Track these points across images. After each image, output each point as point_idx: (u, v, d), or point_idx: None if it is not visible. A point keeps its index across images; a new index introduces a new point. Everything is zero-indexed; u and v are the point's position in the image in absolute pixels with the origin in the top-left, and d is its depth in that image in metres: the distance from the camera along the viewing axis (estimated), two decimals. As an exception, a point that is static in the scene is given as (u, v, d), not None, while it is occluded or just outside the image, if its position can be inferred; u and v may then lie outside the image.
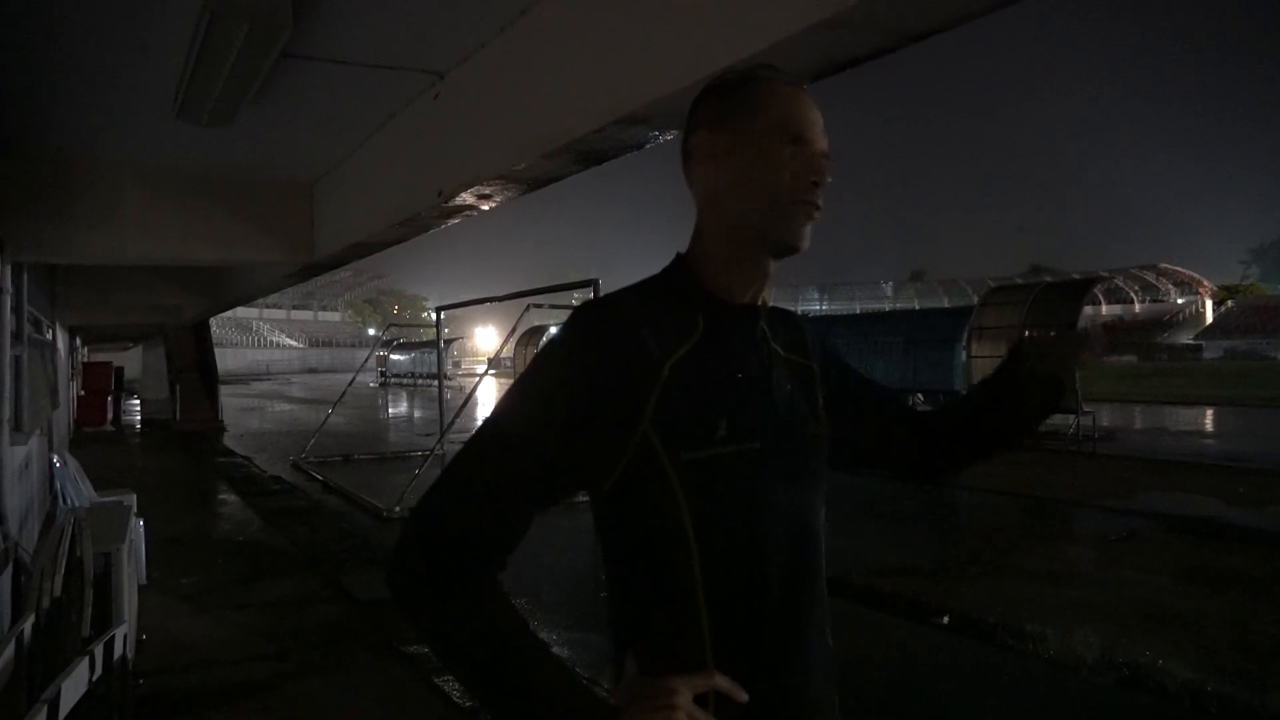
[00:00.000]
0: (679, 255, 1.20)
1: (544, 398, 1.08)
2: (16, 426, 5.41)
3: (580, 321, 1.10)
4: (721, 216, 1.16)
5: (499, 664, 1.00)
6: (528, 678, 0.99)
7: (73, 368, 19.29)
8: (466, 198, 4.18)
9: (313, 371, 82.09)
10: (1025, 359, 1.34)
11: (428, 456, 11.23)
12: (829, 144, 1.15)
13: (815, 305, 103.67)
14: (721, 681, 1.01)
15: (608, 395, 1.05)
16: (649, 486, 1.06)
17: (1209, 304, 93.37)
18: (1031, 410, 1.35)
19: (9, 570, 4.44)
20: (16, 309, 5.74)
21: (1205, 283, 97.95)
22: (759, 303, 1.20)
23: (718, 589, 1.08)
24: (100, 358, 26.16)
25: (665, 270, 1.20)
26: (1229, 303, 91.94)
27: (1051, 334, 1.38)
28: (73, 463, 7.29)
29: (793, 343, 1.26)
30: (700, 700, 0.99)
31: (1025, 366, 1.34)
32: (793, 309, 1.38)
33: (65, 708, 2.38)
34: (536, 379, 1.10)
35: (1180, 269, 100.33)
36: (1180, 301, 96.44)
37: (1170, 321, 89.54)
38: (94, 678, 2.75)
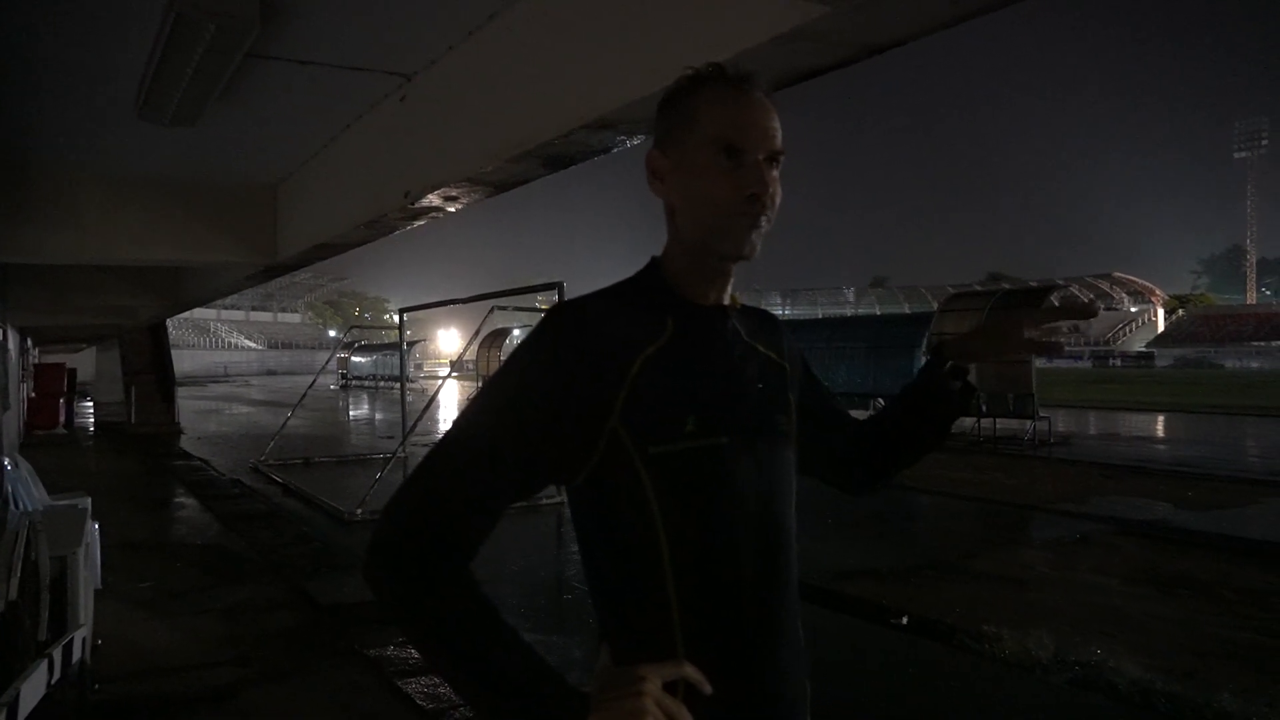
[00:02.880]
0: (653, 259, 1.23)
1: (517, 393, 1.10)
2: (-32, 428, 5.30)
3: (552, 321, 1.13)
4: (678, 231, 1.19)
5: (472, 650, 1.01)
6: (500, 665, 1.01)
7: (24, 369, 18.86)
8: (433, 199, 4.19)
9: (272, 374, 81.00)
10: (946, 356, 1.40)
11: (389, 460, 11.15)
12: (777, 142, 1.14)
13: (778, 310, 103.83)
14: (690, 671, 1.03)
15: (578, 392, 1.07)
16: (620, 481, 1.09)
17: (1161, 313, 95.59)
18: (944, 413, 1.41)
19: (-40, 574, 4.35)
20: (-32, 309, 5.64)
21: (1158, 292, 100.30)
22: (727, 303, 1.23)
23: (687, 582, 1.10)
24: (53, 359, 25.60)
25: (639, 273, 1.23)
26: (1180, 312, 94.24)
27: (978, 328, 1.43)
28: (25, 465, 7.12)
29: (769, 342, 1.29)
30: (670, 689, 1.01)
31: (944, 367, 1.40)
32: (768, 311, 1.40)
33: (24, 711, 2.35)
34: (510, 376, 1.12)
35: (1134, 278, 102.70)
36: (1134, 310, 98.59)
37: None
38: (52, 680, 2.71)
